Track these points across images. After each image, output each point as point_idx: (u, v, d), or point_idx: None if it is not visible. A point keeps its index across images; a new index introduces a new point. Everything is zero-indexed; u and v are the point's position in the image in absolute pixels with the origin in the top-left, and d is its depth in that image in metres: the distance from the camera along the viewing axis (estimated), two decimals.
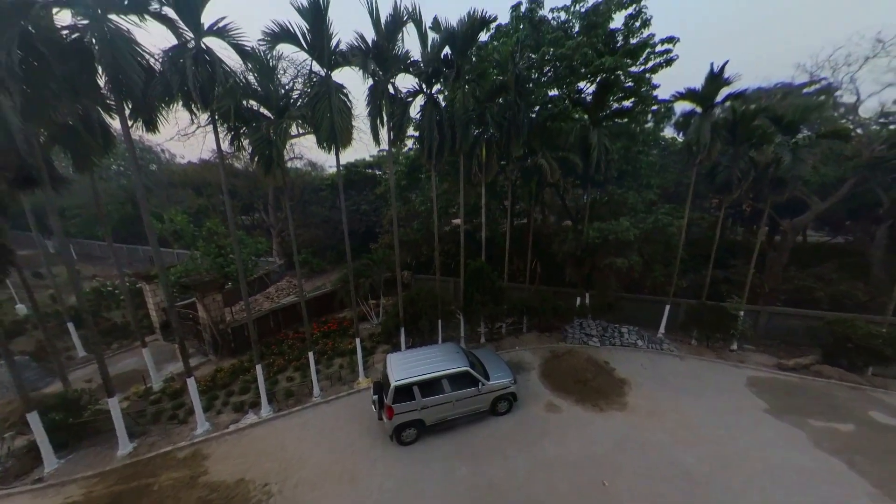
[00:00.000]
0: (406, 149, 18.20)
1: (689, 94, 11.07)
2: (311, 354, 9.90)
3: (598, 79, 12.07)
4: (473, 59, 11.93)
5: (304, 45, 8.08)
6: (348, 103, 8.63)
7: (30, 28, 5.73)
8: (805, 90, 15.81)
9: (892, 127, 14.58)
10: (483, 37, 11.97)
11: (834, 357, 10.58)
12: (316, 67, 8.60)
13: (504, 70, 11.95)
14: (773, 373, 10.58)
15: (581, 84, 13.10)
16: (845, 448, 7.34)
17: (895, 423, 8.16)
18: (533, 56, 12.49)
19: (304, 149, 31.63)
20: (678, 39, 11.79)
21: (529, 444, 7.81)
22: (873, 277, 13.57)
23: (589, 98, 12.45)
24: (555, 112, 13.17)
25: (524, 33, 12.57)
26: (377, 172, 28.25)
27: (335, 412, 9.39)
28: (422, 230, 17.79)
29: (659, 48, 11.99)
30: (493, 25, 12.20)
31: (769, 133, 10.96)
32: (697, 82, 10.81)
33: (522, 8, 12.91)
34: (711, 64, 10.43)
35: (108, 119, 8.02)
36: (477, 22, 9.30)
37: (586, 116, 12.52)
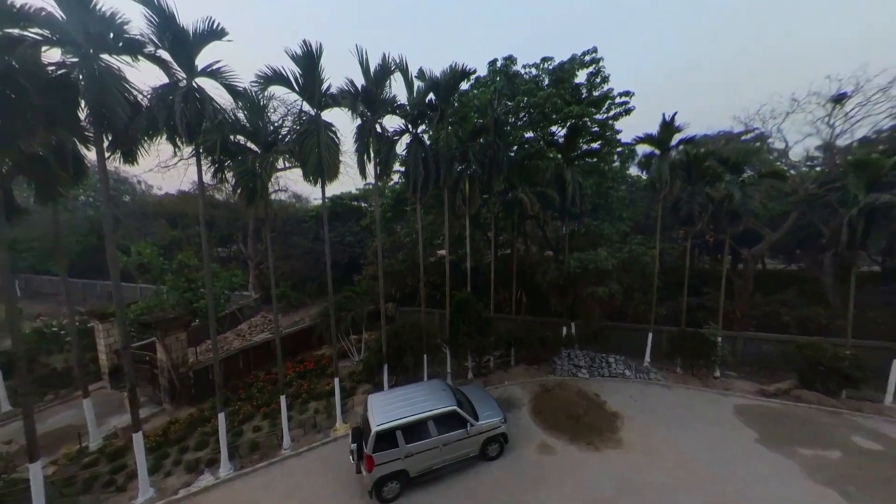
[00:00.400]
0: (392, 182, 18.76)
1: (648, 139, 12.46)
2: (283, 398, 9.01)
3: (568, 124, 13.39)
4: (456, 104, 13.00)
5: (296, 88, 8.53)
6: (336, 140, 8.97)
7: (13, 63, 5.74)
8: (743, 137, 18.22)
9: (818, 169, 16.84)
10: (464, 86, 13.20)
11: (810, 381, 10.90)
12: (306, 107, 9.02)
13: (484, 114, 13.04)
14: (758, 400, 10.66)
15: (553, 128, 14.45)
16: (837, 478, 7.25)
17: (878, 447, 8.26)
18: (509, 103, 13.81)
19: (290, 181, 31.97)
20: (633, 94, 13.51)
21: (524, 493, 7.16)
22: (829, 302, 14.62)
23: (561, 140, 13.65)
24: (531, 151, 14.26)
25: (500, 84, 13.99)
26: (363, 205, 28.63)
27: (306, 467, 8.33)
28: (406, 261, 17.71)
29: (618, 100, 13.64)
30: (472, 77, 13.52)
31: (719, 172, 12.31)
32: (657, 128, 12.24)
33: (498, 64, 14.53)
34: (663, 114, 11.93)
35: (83, 150, 7.83)
36: (458, 73, 10.30)
37: (560, 156, 13.62)
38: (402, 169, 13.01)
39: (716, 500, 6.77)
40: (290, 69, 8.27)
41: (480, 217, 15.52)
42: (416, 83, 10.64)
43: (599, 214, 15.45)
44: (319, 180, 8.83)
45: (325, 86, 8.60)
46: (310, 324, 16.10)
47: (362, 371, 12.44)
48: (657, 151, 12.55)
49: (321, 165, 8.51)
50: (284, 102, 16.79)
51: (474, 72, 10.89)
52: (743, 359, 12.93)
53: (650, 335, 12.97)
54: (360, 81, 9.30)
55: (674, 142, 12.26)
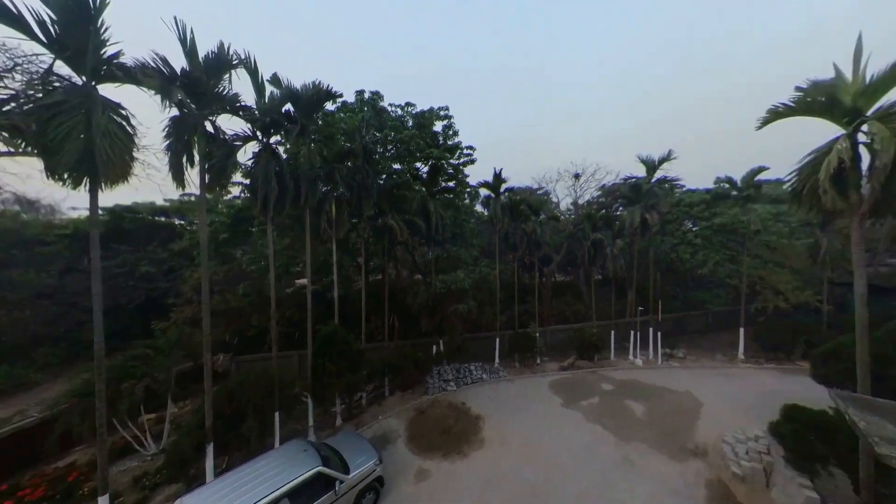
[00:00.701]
0: (228, 196, 14.89)
1: (486, 184, 16.17)
2: None
3: (430, 163, 15.36)
4: (320, 122, 12.23)
5: (41, 37, 5.52)
6: (128, 128, 6.31)
7: None
8: (539, 192, 26.89)
9: (572, 216, 27.06)
10: (330, 106, 12.72)
11: (582, 353, 16.52)
12: (66, 71, 5.94)
13: (352, 139, 12.91)
14: (560, 374, 15.04)
15: (418, 164, 16.14)
16: (599, 415, 11.13)
17: (611, 388, 13.39)
18: (378, 134, 14.40)
19: (12, 177, 19.10)
20: (475, 148, 17.26)
21: None
22: (584, 300, 23.13)
23: (425, 175, 15.41)
24: (400, 182, 15.22)
25: (368, 115, 14.46)
26: (178, 221, 20.96)
27: None
28: (251, 295, 14.08)
29: (466, 151, 17.02)
30: (339, 100, 13.28)
31: (528, 214, 17.43)
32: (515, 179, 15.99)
33: (366, 95, 15.05)
34: (494, 168, 15.94)
35: None
36: (323, 92, 9.84)
37: (424, 189, 15.27)
38: (246, 181, 10.67)
39: (543, 463, 8.78)
40: (36, 8, 5.32)
41: (349, 241, 14.72)
42: (270, 88, 9.31)
43: (457, 242, 18.16)
44: (87, 181, 5.81)
45: (110, 50, 6.02)
46: (44, 416, 9.50)
47: (164, 467, 8.31)
48: (493, 195, 16.43)
49: (92, 159, 5.67)
50: (4, 49, 10.37)
51: (340, 95, 10.77)
52: (551, 346, 18.06)
53: (497, 340, 15.95)
54: (179, 63, 7.15)
55: (502, 189, 16.48)
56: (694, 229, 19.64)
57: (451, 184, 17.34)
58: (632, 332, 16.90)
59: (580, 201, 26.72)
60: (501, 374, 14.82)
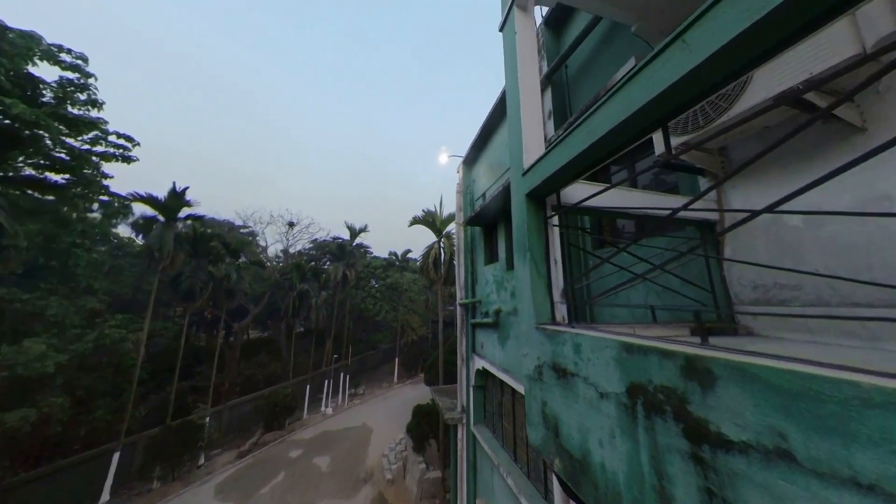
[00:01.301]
0: None
1: (151, 200, 10.92)
2: None
3: None
4: None
5: None
6: None
7: None
8: (242, 230, 22.65)
9: (281, 264, 25.37)
10: None
11: (270, 423, 14.17)
12: None
13: None
14: (235, 465, 11.56)
15: None
16: (281, 497, 9.62)
17: (300, 452, 12.43)
18: None
19: None
20: (138, 143, 11.43)
21: None
22: (283, 356, 21.10)
23: None
24: None
25: None
26: None
27: None
28: None
29: (115, 139, 10.69)
30: None
31: (222, 254, 13.80)
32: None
33: None
34: (174, 182, 11.40)
35: None
36: None
37: None
38: None
39: None
40: None
41: None
42: None
43: (44, 283, 9.64)
44: None
45: None
46: None
47: None
48: (162, 217, 11.29)
49: None
50: None
51: None
52: (230, 426, 13.73)
53: (116, 455, 9.36)
54: None
55: (183, 214, 11.90)
56: (376, 286, 26.17)
57: (56, 177, 9.70)
58: (326, 382, 17.64)
59: (291, 250, 26.05)
60: None
